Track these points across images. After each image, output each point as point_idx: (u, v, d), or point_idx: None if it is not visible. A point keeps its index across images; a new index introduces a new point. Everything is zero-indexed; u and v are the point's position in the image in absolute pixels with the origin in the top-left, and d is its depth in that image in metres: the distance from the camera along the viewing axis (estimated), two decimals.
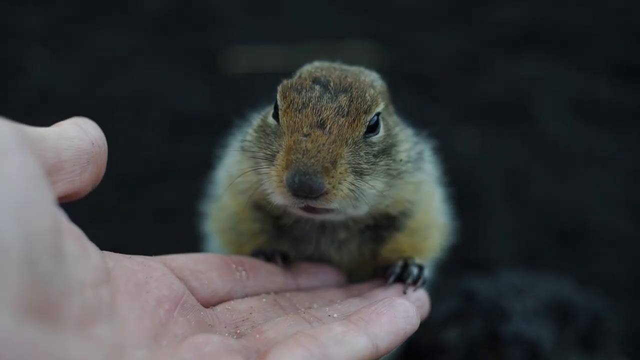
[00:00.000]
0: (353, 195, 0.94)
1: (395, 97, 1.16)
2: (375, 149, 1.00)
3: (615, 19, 3.43)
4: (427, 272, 1.09)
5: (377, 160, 0.99)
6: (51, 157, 0.80)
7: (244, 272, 1.02)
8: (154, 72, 2.93)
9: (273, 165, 0.95)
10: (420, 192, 1.11)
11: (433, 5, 3.52)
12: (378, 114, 1.01)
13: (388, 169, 1.00)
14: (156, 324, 0.82)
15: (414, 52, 3.13)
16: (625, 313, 1.78)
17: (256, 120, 1.09)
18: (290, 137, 0.94)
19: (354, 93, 0.98)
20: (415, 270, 1.06)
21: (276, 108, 1.00)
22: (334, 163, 0.92)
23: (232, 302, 0.97)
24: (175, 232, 2.06)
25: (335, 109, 0.96)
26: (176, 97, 2.79)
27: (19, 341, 0.63)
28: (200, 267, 0.97)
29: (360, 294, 1.05)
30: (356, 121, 0.96)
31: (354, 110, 0.96)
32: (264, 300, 0.99)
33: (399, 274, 1.06)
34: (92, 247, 0.82)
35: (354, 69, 1.10)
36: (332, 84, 0.99)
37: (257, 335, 0.87)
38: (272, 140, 1.00)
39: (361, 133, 0.98)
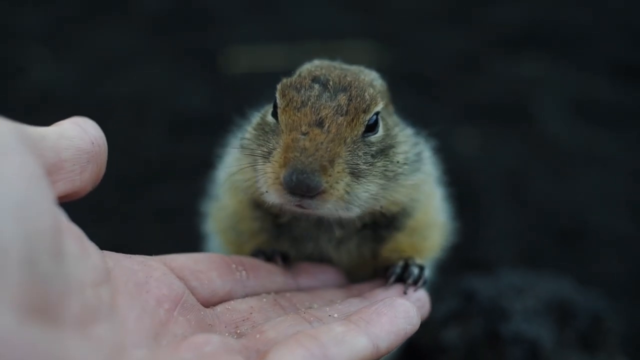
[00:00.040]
0: (347, 198, 0.93)
1: (395, 97, 1.16)
2: (374, 149, 0.99)
3: (615, 19, 3.43)
4: (427, 273, 1.08)
5: (375, 160, 0.98)
6: (51, 156, 0.80)
7: (244, 272, 1.02)
8: (154, 72, 2.93)
9: (269, 162, 0.95)
10: (419, 192, 1.10)
11: (433, 5, 3.52)
12: (377, 114, 1.00)
13: (385, 170, 1.00)
14: (156, 324, 0.82)
15: (414, 52, 3.13)
16: (625, 313, 1.78)
17: (255, 118, 1.09)
18: (289, 135, 0.94)
19: (353, 92, 0.98)
20: (416, 271, 1.06)
21: (275, 106, 1.00)
22: (331, 162, 0.91)
23: (232, 302, 0.97)
24: (175, 232, 2.06)
25: (334, 107, 0.95)
26: (176, 97, 2.79)
27: (19, 341, 0.63)
28: (200, 267, 0.97)
29: (360, 294, 1.05)
30: (355, 120, 0.96)
31: (353, 109, 0.96)
32: (264, 300, 0.99)
33: (399, 274, 1.06)
34: (92, 247, 0.82)
35: (354, 68, 1.10)
36: (331, 82, 0.99)
37: (258, 335, 0.87)
38: (271, 138, 0.99)
39: (360, 132, 0.97)
